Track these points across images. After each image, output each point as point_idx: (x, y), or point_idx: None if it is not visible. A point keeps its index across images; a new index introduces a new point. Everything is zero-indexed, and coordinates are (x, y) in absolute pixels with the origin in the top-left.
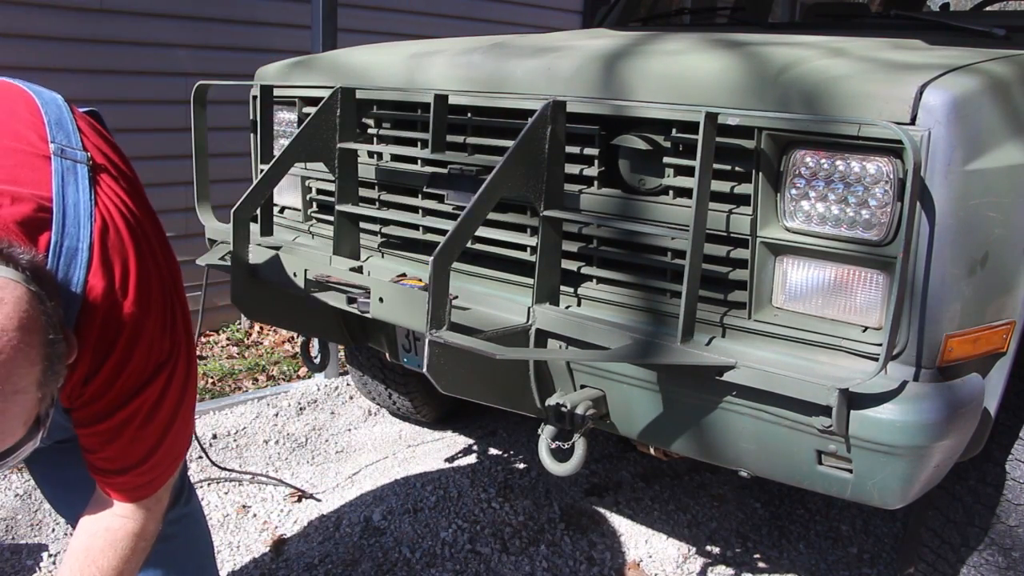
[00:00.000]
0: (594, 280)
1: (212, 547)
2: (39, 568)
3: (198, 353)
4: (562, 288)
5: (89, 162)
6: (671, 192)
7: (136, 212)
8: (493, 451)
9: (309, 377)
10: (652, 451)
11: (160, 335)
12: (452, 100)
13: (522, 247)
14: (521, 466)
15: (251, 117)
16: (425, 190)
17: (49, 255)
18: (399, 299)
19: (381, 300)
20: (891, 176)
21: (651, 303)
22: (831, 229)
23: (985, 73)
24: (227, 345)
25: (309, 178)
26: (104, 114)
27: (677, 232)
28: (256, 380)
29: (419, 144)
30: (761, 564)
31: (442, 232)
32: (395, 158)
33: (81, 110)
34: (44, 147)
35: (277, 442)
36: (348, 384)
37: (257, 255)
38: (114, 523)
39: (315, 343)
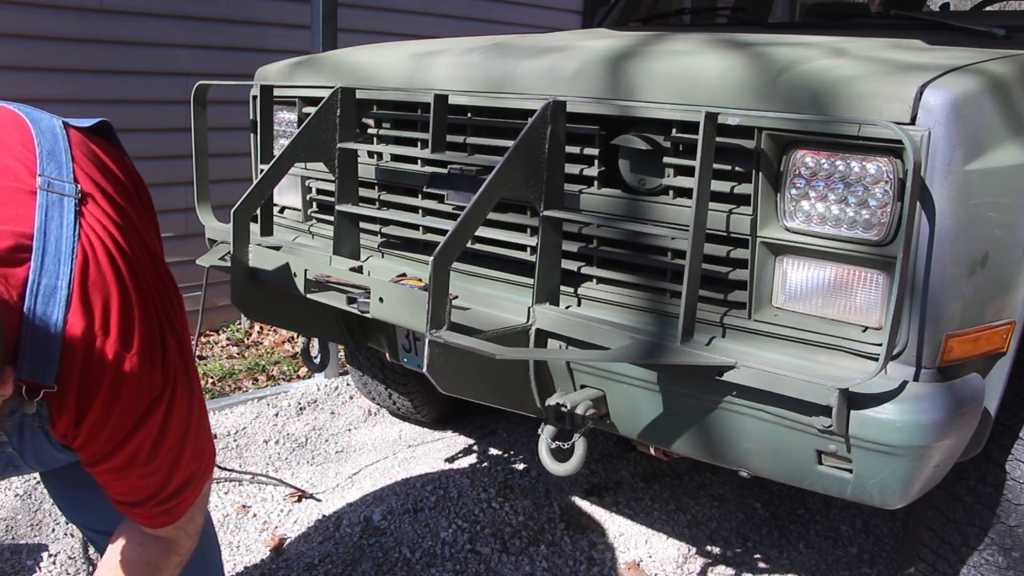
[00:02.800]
0: (594, 280)
1: (219, 554)
2: (39, 568)
3: (198, 353)
4: (562, 288)
5: (77, 195)
6: (671, 192)
7: (123, 244)
8: (493, 451)
9: (309, 377)
10: (652, 451)
11: (149, 370)
12: (452, 100)
13: (522, 247)
14: (521, 466)
15: (251, 117)
16: (425, 190)
17: (26, 293)
18: (399, 299)
19: (381, 300)
20: (891, 176)
21: (651, 303)
22: (831, 229)
23: (985, 73)
24: (227, 345)
25: (309, 178)
26: (104, 114)
27: (677, 232)
28: (256, 380)
29: (419, 144)
30: (761, 564)
31: (442, 232)
32: (395, 158)
33: (90, 122)
34: (31, 182)
35: (277, 442)
36: (348, 384)
37: (257, 255)
38: (146, 540)
39: (315, 343)
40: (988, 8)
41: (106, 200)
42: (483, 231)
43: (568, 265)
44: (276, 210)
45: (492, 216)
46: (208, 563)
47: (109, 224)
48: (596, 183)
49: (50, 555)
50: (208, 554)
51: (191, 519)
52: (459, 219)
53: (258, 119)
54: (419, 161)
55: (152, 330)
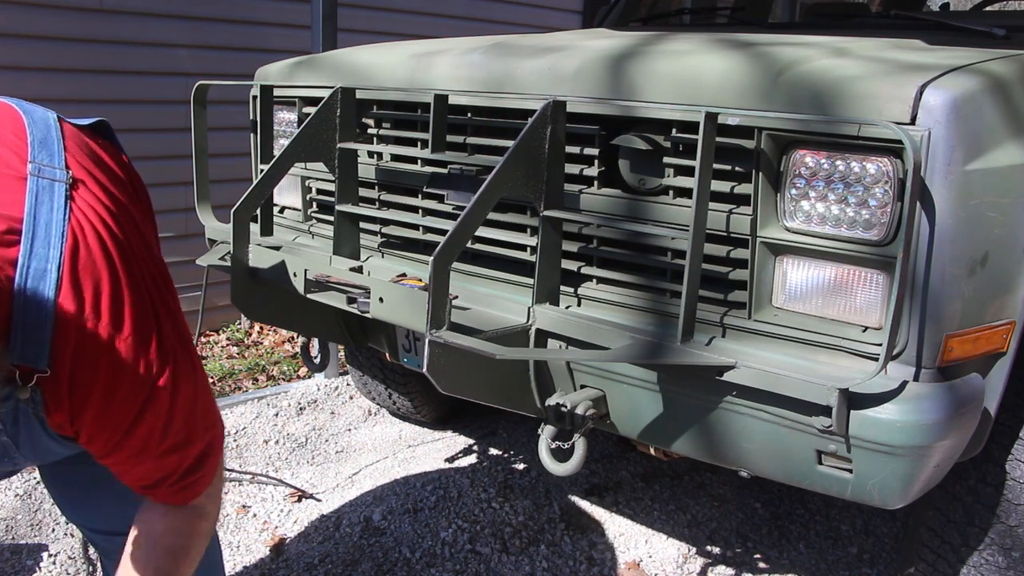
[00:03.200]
0: (594, 280)
1: (221, 556)
2: (39, 568)
3: (199, 353)
4: (562, 288)
5: (68, 180)
6: (671, 192)
7: (115, 228)
8: (493, 451)
9: (309, 377)
10: (652, 451)
11: (145, 352)
12: (452, 100)
13: (522, 247)
14: (521, 466)
15: (251, 117)
16: (425, 190)
17: (16, 275)
18: (399, 299)
19: (381, 300)
20: (891, 176)
21: (651, 303)
22: (831, 229)
23: (985, 73)
24: (227, 345)
25: (309, 178)
26: (104, 114)
27: (677, 232)
28: (256, 380)
29: (419, 144)
30: (761, 564)
31: (442, 232)
32: (395, 158)
33: (87, 121)
34: (22, 168)
35: (277, 442)
36: (348, 384)
37: (257, 255)
38: (169, 509)
39: (315, 343)
40: (988, 8)
41: (98, 187)
42: (483, 231)
43: (568, 265)
44: (276, 210)
45: (492, 216)
46: (210, 564)
47: (100, 209)
48: (596, 183)
49: (50, 555)
50: (210, 554)
51: (213, 486)
52: (459, 219)
53: (258, 119)
54: (419, 161)
55: (145, 312)
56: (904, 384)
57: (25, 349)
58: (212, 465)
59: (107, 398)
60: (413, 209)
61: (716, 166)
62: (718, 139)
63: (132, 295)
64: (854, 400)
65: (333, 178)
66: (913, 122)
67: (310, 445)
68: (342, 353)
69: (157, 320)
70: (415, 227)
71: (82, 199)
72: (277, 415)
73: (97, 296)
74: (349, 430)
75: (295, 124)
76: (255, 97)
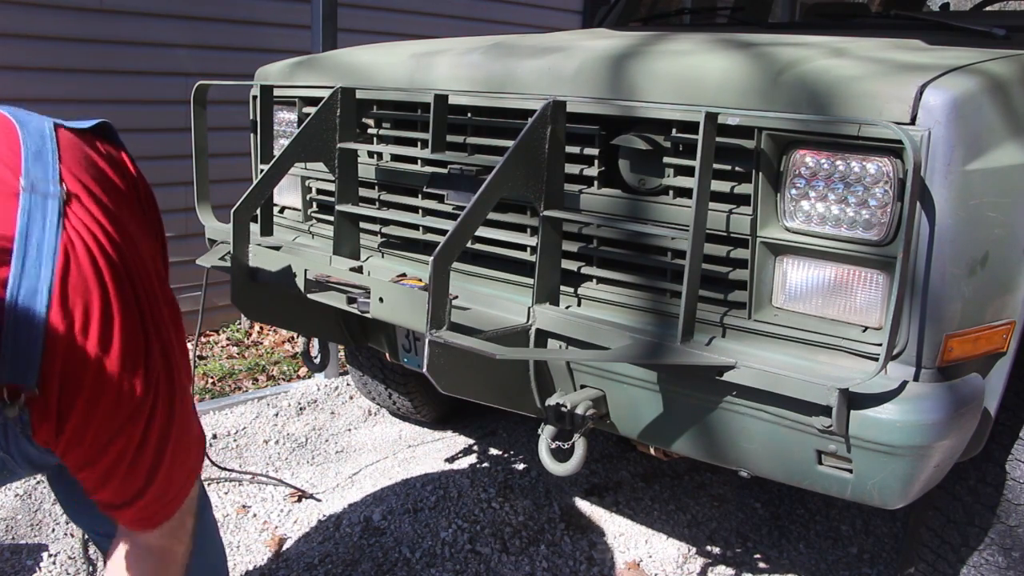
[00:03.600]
0: (594, 280)
1: (225, 561)
2: (39, 568)
3: (199, 353)
4: (562, 288)
5: (62, 196)
6: (671, 192)
7: (107, 247)
8: (493, 451)
9: (309, 377)
10: (652, 451)
11: (130, 376)
12: (452, 100)
13: (522, 247)
14: (521, 466)
15: (251, 117)
16: (425, 190)
17: (7, 295)
18: (399, 299)
19: (381, 300)
20: (891, 176)
21: (651, 303)
22: (831, 229)
23: (985, 73)
24: (227, 345)
25: (309, 178)
26: (104, 114)
27: (677, 232)
28: (256, 380)
29: (419, 144)
30: (761, 564)
31: (442, 232)
32: (395, 158)
33: (88, 124)
34: (15, 183)
35: (277, 442)
36: (348, 384)
37: (257, 255)
38: (138, 552)
39: (315, 343)
40: (988, 8)
41: (93, 202)
42: (483, 231)
43: (568, 265)
44: (276, 210)
45: (492, 216)
46: (214, 571)
47: (93, 226)
48: (596, 183)
49: (50, 555)
50: (216, 568)
51: (181, 524)
52: (459, 219)
53: (258, 119)
54: (419, 161)
55: (135, 335)
56: (904, 384)
57: (14, 368)
58: (178, 497)
59: (87, 416)
60: (413, 209)
61: (716, 166)
62: (718, 139)
63: (122, 317)
64: (854, 400)
65: (333, 178)
66: (913, 122)
67: (310, 445)
68: (342, 353)
69: (147, 343)
70: (415, 227)
71: (75, 215)
72: (277, 415)
73: (87, 316)
74: (349, 430)
75: (295, 124)
76: (255, 97)
